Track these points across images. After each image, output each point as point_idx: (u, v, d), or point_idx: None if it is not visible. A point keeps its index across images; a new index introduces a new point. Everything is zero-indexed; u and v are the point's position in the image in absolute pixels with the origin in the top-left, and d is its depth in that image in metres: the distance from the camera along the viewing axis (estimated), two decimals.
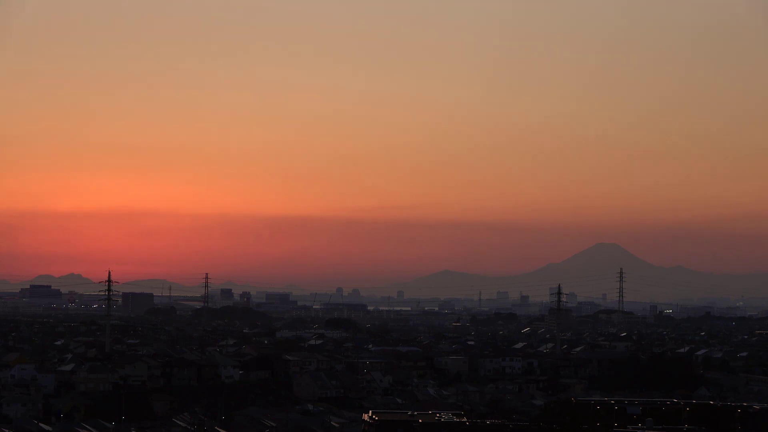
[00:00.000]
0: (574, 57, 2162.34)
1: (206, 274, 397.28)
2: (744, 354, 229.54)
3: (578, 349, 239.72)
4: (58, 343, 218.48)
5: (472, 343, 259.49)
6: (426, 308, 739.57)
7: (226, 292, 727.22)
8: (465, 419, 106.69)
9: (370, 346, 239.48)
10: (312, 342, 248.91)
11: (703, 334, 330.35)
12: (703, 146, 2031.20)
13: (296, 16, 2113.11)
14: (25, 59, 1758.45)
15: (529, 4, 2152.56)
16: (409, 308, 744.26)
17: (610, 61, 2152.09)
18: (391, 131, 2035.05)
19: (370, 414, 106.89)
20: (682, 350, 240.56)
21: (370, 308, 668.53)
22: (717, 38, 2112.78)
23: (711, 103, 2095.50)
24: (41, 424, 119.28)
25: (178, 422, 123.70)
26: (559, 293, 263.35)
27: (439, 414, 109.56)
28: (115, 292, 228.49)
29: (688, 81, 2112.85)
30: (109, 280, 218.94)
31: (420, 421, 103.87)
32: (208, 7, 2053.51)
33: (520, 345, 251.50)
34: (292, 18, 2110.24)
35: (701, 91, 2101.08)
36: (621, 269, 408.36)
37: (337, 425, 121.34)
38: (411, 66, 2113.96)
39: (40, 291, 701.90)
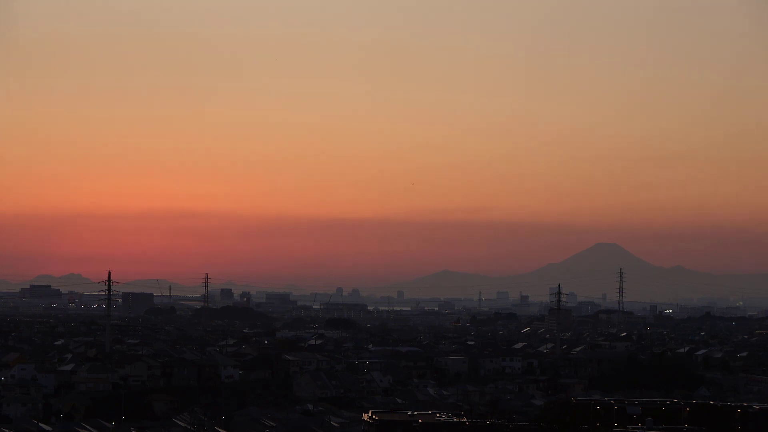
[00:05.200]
0: (574, 61, 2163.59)
1: (206, 274, 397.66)
2: (744, 354, 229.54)
3: (578, 349, 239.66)
4: (58, 343, 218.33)
5: (472, 343, 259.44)
6: (426, 308, 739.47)
7: (226, 292, 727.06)
8: (465, 419, 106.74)
9: (370, 346, 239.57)
10: (312, 342, 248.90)
11: (703, 334, 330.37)
12: (703, 146, 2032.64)
13: (330, 23, 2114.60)
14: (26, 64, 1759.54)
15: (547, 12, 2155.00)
16: (409, 308, 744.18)
17: (608, 65, 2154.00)
18: (391, 136, 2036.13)
19: (370, 414, 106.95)
20: (682, 350, 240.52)
21: (370, 308, 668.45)
22: (725, 45, 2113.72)
23: (712, 104, 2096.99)
24: (41, 424, 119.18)
25: (178, 422, 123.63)
26: (559, 293, 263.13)
27: (439, 414, 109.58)
28: (115, 292, 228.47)
29: (689, 83, 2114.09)
30: (109, 280, 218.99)
31: (420, 421, 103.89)
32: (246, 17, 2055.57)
33: (520, 345, 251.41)
34: (318, 23, 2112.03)
35: (702, 92, 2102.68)
36: (621, 269, 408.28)
37: (337, 425, 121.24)
38: (417, 73, 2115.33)
39: (40, 291, 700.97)
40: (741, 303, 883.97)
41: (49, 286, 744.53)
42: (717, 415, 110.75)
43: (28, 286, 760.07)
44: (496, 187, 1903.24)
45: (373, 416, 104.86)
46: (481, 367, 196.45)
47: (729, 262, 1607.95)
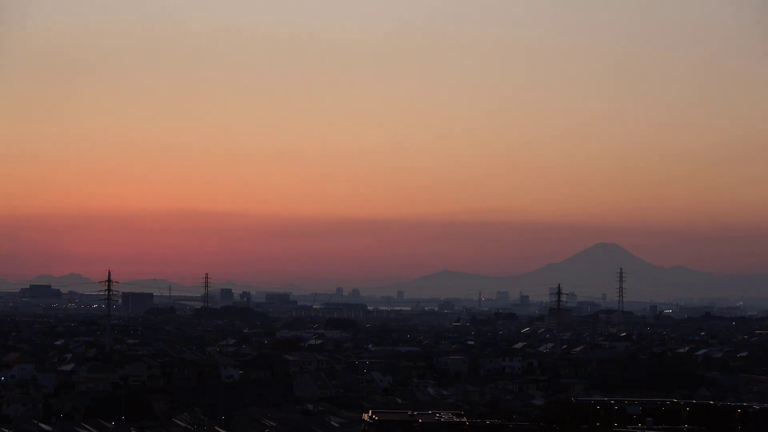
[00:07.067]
0: (575, 60, 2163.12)
1: (206, 274, 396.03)
2: (744, 354, 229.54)
3: (578, 349, 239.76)
4: (58, 343, 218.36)
5: (472, 343, 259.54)
6: (426, 308, 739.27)
7: (226, 292, 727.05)
8: (465, 419, 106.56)
9: (370, 346, 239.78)
10: (312, 342, 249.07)
11: (703, 334, 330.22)
12: (704, 146, 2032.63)
13: (340, 19, 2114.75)
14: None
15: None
16: (409, 308, 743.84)
17: (609, 63, 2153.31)
18: (390, 136, 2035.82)
19: (370, 414, 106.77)
20: (682, 350, 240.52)
21: (370, 308, 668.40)
22: (731, 46, 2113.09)
23: (713, 104, 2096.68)
24: (41, 424, 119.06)
25: (178, 422, 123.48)
26: (559, 293, 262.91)
27: (439, 414, 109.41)
28: (115, 292, 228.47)
29: (692, 82, 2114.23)
30: (109, 280, 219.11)
31: (420, 421, 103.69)
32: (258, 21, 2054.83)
33: (520, 345, 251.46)
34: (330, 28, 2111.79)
35: (702, 92, 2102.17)
36: (621, 269, 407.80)
37: (337, 425, 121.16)
38: (416, 73, 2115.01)
39: (40, 291, 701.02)
40: (741, 303, 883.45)
41: (49, 286, 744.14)
42: (717, 415, 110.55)
43: (28, 286, 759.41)
44: (496, 187, 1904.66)
45: (373, 416, 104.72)
46: (481, 367, 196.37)
47: (729, 262, 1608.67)
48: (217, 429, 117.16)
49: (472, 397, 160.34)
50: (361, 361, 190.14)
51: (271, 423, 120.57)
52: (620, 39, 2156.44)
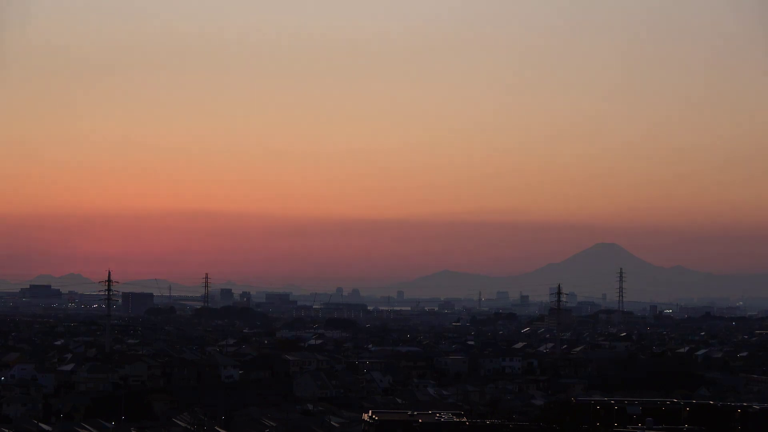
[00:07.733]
0: (574, 58, 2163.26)
1: (206, 274, 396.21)
2: (744, 354, 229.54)
3: (578, 349, 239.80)
4: (58, 343, 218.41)
5: (472, 343, 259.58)
6: (426, 308, 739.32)
7: (226, 292, 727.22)
8: (465, 419, 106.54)
9: (370, 346, 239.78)
10: (312, 342, 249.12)
11: (703, 334, 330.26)
12: (703, 146, 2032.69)
13: (341, 20, 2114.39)
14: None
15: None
16: (409, 308, 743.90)
17: (608, 62, 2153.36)
18: (390, 136, 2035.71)
19: (370, 414, 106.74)
20: (682, 350, 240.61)
21: (370, 308, 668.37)
22: (728, 45, 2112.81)
23: (713, 103, 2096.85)
24: (41, 424, 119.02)
25: (178, 422, 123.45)
26: (559, 293, 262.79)
27: (439, 414, 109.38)
28: (115, 292, 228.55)
29: (690, 81, 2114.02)
30: (109, 280, 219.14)
31: (420, 421, 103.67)
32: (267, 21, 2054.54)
33: (520, 345, 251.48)
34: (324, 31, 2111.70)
35: (702, 91, 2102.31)
36: (621, 269, 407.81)
37: (337, 425, 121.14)
38: (417, 73, 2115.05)
39: (40, 291, 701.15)
40: (741, 303, 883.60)
41: (49, 286, 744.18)
42: (717, 415, 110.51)
43: (28, 286, 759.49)
44: (495, 187, 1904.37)
45: (373, 416, 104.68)
46: (481, 367, 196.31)
47: (729, 262, 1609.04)
48: (217, 429, 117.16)
49: (472, 397, 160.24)
50: (361, 361, 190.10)
51: (271, 423, 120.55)
52: (619, 40, 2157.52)
